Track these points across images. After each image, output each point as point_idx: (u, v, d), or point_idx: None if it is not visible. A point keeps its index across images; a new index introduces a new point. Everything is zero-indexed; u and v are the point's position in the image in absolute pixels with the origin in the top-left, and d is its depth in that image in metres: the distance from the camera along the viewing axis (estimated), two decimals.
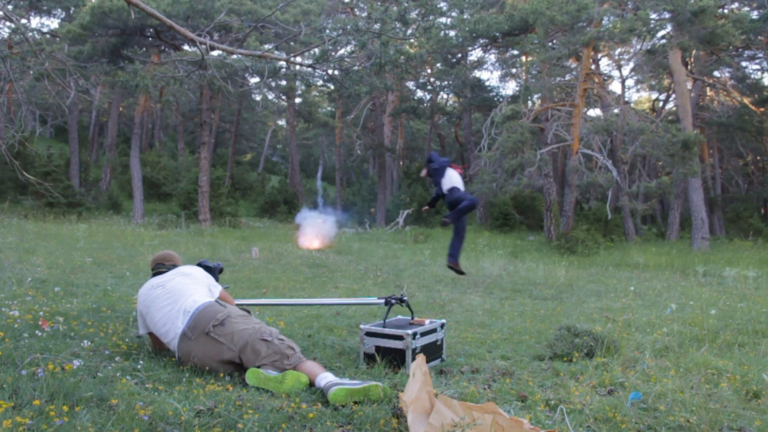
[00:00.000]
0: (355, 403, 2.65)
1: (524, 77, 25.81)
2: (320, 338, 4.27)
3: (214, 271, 4.01)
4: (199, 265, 4.02)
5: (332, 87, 28.80)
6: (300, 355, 3.11)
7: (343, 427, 2.41)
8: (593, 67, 21.47)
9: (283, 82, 29.09)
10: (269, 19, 13.80)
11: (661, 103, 27.59)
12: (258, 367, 2.99)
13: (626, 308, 6.35)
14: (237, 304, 3.68)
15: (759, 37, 21.00)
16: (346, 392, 2.67)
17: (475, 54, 26.55)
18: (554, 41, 18.07)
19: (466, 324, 5.29)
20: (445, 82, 27.19)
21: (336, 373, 3.34)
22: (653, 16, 17.74)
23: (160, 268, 3.73)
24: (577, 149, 17.10)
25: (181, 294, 3.35)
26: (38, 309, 4.19)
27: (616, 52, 26.34)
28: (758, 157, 28.41)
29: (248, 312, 3.44)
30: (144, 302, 3.45)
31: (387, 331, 3.52)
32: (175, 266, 3.73)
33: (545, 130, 18.58)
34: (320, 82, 29.43)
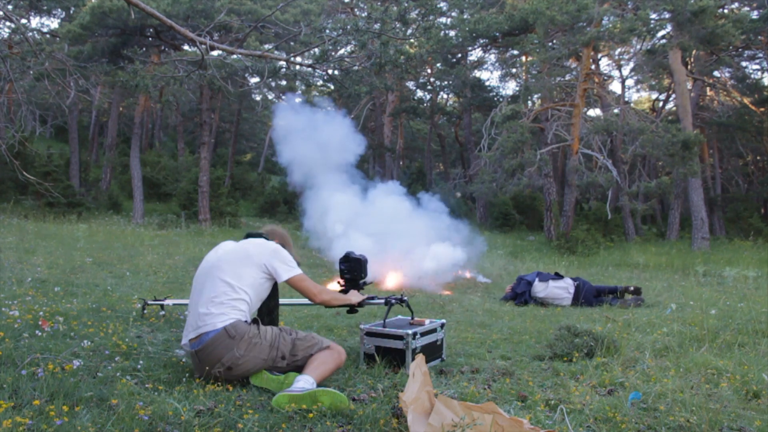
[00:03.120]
0: (304, 409, 2.56)
1: (524, 77, 25.80)
2: None
3: (362, 264, 3.66)
4: (346, 256, 3.68)
5: (332, 87, 28.81)
6: (318, 347, 3.05)
7: (343, 427, 2.41)
8: (593, 67, 21.47)
9: (283, 82, 29.10)
10: (269, 19, 13.80)
11: (661, 103, 27.59)
12: None
13: (626, 308, 6.35)
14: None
15: (759, 37, 21.00)
16: (288, 398, 2.62)
17: (475, 54, 26.56)
18: (554, 41, 18.07)
19: (466, 324, 5.29)
20: (445, 82, 27.18)
21: (335, 373, 3.33)
22: (653, 16, 17.74)
23: (249, 234, 3.37)
24: (577, 149, 17.10)
25: (201, 286, 3.07)
26: (38, 309, 4.19)
27: (616, 52, 26.35)
28: (758, 157, 28.41)
29: (258, 321, 3.13)
30: None
31: (387, 331, 3.52)
32: (263, 237, 3.30)
33: (545, 130, 18.58)
34: (320, 82, 29.44)
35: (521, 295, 6.95)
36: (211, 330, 2.92)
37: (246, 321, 3.01)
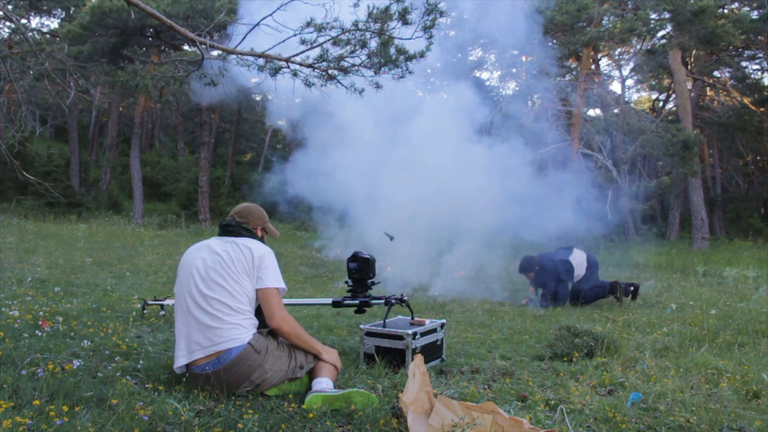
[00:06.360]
0: (335, 410, 2.58)
1: (524, 77, 25.78)
2: (320, 338, 4.27)
3: (371, 264, 3.55)
4: (354, 256, 3.60)
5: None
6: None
7: (343, 427, 2.41)
8: (593, 67, 21.46)
9: (284, 82, 29.06)
10: (269, 19, 13.77)
11: (661, 103, 27.58)
12: None
13: (626, 308, 6.35)
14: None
15: (759, 37, 21.00)
16: (322, 399, 2.61)
17: (475, 54, 26.54)
18: (554, 41, 18.07)
19: (466, 324, 5.29)
20: (445, 82, 27.16)
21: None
22: (653, 16, 17.74)
23: (227, 227, 2.96)
24: (577, 149, 17.10)
25: (198, 297, 2.76)
26: (38, 309, 4.19)
27: (616, 52, 26.33)
28: (758, 157, 28.37)
29: (276, 334, 2.92)
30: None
31: (387, 331, 3.52)
32: (241, 228, 2.93)
33: (545, 130, 18.57)
34: (320, 83, 29.41)
35: (566, 282, 6.82)
36: (233, 347, 2.68)
37: (258, 332, 2.82)
